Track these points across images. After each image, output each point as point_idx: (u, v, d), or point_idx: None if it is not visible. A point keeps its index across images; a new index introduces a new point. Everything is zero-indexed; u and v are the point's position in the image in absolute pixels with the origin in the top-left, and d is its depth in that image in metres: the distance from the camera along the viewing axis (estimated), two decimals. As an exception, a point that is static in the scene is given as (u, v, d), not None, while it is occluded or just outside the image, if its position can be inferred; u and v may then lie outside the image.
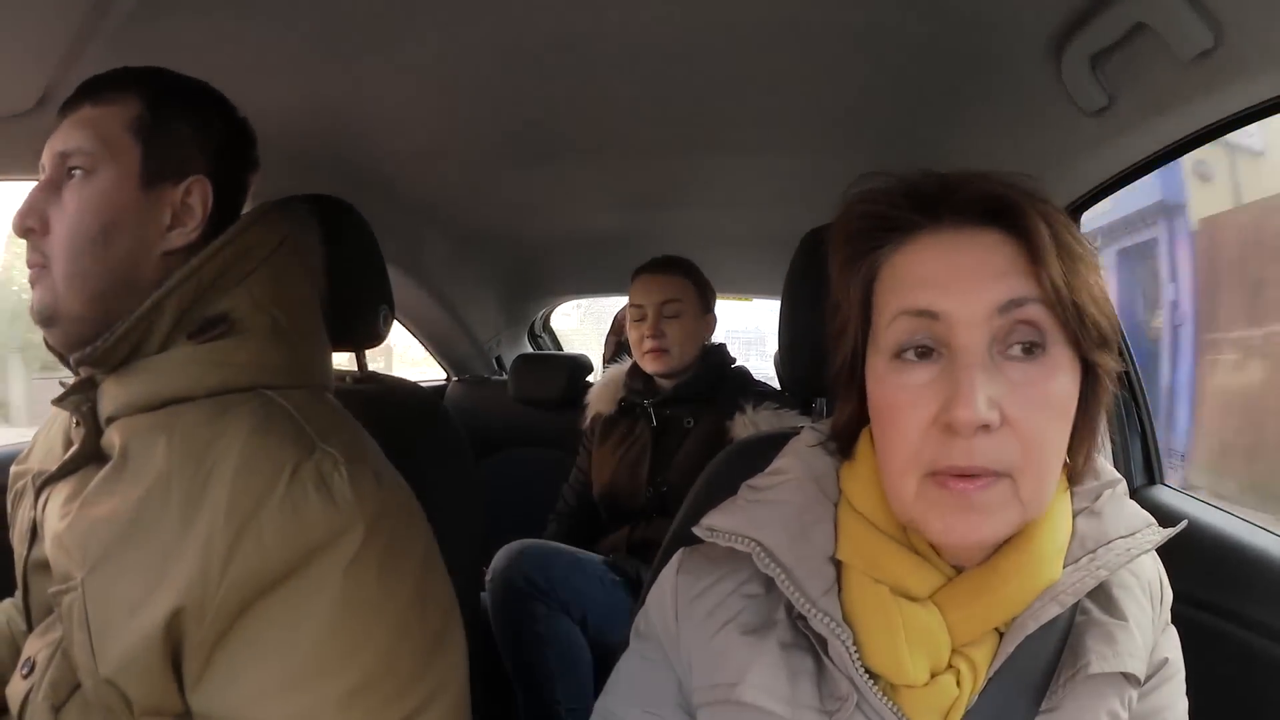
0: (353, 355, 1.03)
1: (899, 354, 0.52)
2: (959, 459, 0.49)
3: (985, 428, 0.48)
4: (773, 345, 2.43)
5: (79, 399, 0.72)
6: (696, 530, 0.61)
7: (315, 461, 0.65)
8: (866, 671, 0.53)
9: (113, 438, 0.69)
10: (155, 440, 0.66)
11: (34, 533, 0.74)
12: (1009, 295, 0.50)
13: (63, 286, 0.69)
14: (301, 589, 0.61)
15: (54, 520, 0.69)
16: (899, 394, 0.52)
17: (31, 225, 0.70)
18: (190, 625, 0.59)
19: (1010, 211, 0.51)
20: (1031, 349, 0.50)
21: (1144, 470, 1.16)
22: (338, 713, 0.60)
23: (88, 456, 0.71)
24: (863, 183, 0.58)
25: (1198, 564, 0.82)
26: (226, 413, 0.67)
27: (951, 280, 0.51)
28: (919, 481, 0.51)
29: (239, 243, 0.73)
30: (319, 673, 0.60)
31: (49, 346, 0.75)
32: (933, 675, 0.53)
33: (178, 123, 0.73)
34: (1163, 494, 1.14)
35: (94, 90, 0.72)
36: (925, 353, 0.51)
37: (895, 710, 0.53)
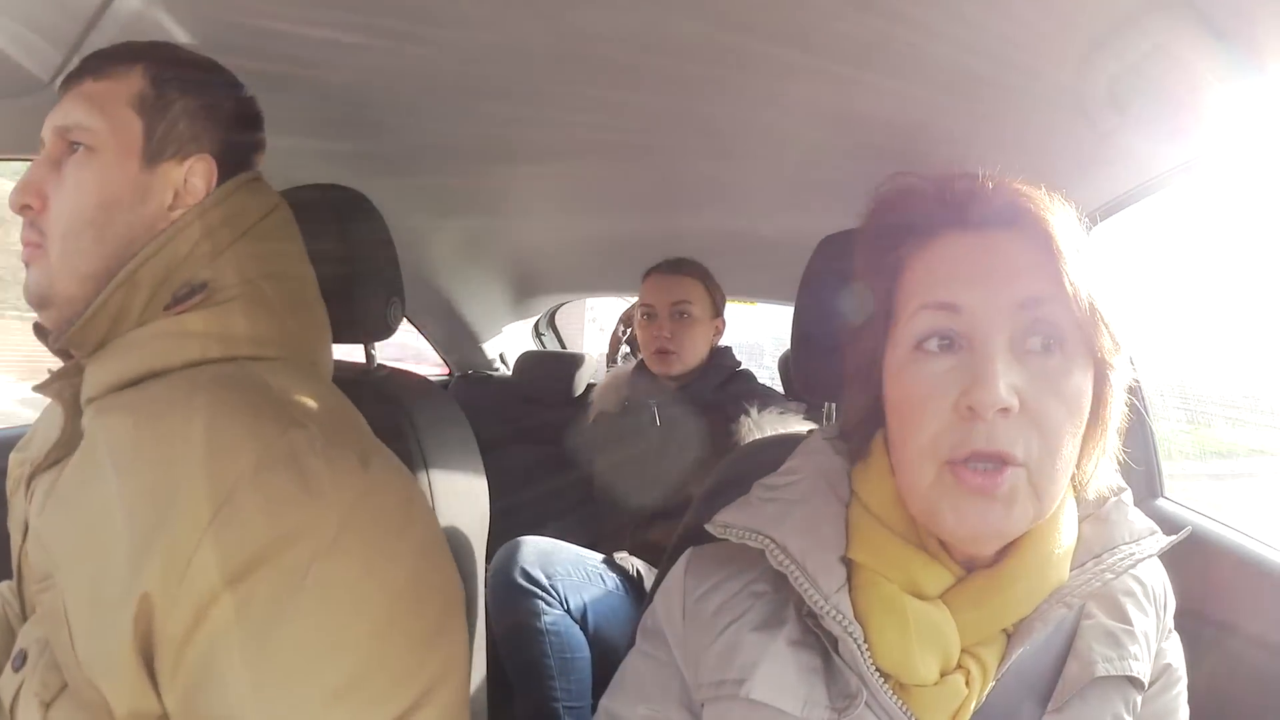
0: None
1: (920, 345, 0.53)
2: (980, 443, 0.50)
3: (1005, 411, 0.49)
4: (770, 357, 2.43)
5: (61, 385, 0.69)
6: (709, 527, 0.61)
7: (289, 440, 0.60)
8: (876, 670, 0.54)
9: (89, 423, 0.65)
10: (122, 422, 0.61)
11: (26, 524, 0.71)
12: (1029, 293, 0.51)
13: (59, 266, 0.67)
14: (273, 580, 0.55)
15: (34, 515, 0.66)
16: (919, 383, 0.53)
17: (29, 202, 0.67)
18: (159, 622, 0.55)
19: (1035, 216, 0.53)
20: (1049, 345, 0.52)
21: (1145, 484, 1.16)
22: (322, 712, 0.55)
23: (68, 445, 0.67)
24: (893, 181, 0.59)
25: (1198, 576, 0.83)
26: (197, 388, 0.62)
27: (974, 276, 0.53)
28: (936, 470, 0.52)
29: (219, 210, 0.70)
30: (298, 671, 0.55)
31: (39, 332, 0.72)
32: (942, 675, 0.53)
33: (182, 99, 0.71)
34: (1165, 507, 1.14)
35: (97, 65, 0.70)
36: (946, 345, 0.53)
37: (904, 709, 0.53)
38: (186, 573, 0.54)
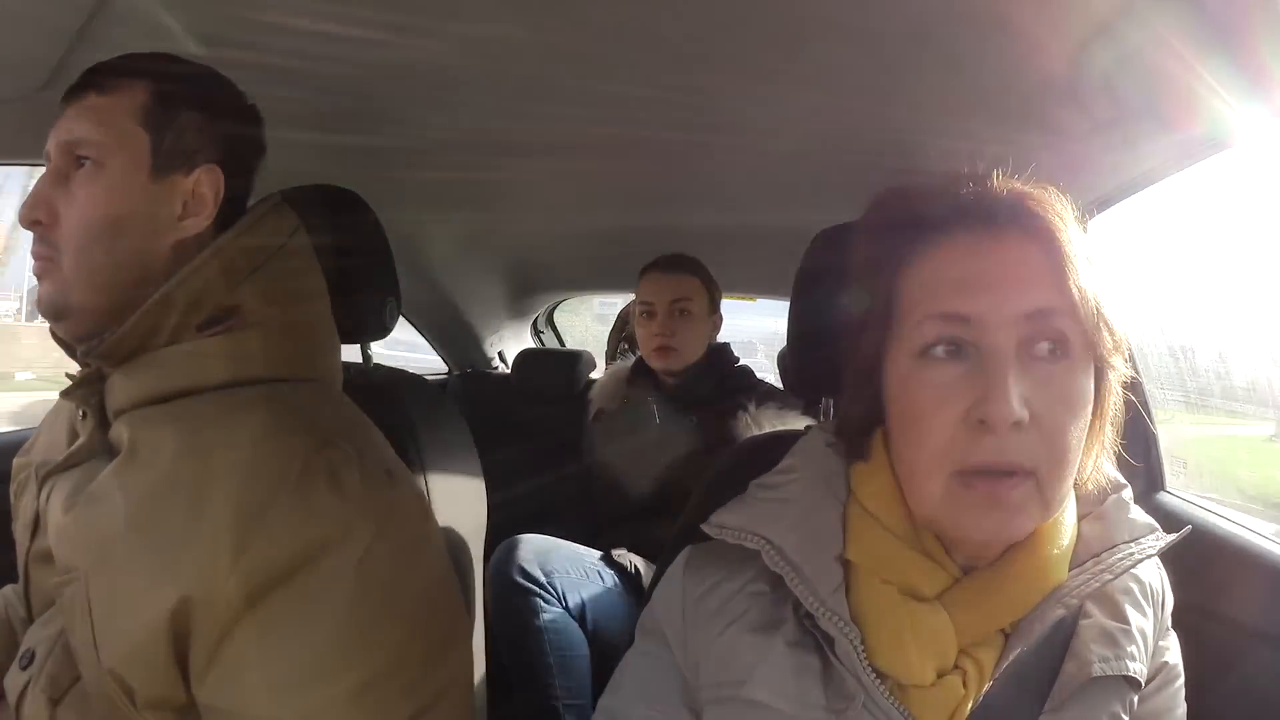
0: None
1: (926, 351, 0.53)
2: (990, 455, 0.50)
3: (1016, 424, 0.49)
4: (763, 354, 2.42)
5: (86, 392, 0.71)
6: (705, 527, 0.61)
7: (326, 457, 0.64)
8: (874, 671, 0.53)
9: (120, 431, 0.68)
10: (164, 433, 0.65)
11: (36, 524, 0.73)
12: (1038, 304, 0.51)
13: (73, 279, 0.68)
14: (313, 583, 0.60)
15: (57, 512, 0.69)
16: (926, 391, 0.52)
17: (39, 217, 0.69)
18: (198, 616, 0.59)
19: (1040, 219, 0.53)
20: (1055, 352, 0.51)
21: (1147, 477, 1.16)
22: (348, 708, 0.60)
23: (94, 449, 0.70)
24: (897, 179, 0.59)
25: (1199, 570, 0.82)
26: (237, 406, 0.66)
27: (983, 285, 0.52)
28: (946, 481, 0.51)
29: (250, 236, 0.72)
30: (330, 667, 0.60)
31: (56, 339, 0.74)
32: (939, 675, 0.53)
33: (186, 111, 0.72)
34: (1166, 501, 1.14)
35: (99, 78, 0.71)
36: (954, 351, 0.52)
37: (902, 710, 0.53)
38: (230, 577, 0.58)
